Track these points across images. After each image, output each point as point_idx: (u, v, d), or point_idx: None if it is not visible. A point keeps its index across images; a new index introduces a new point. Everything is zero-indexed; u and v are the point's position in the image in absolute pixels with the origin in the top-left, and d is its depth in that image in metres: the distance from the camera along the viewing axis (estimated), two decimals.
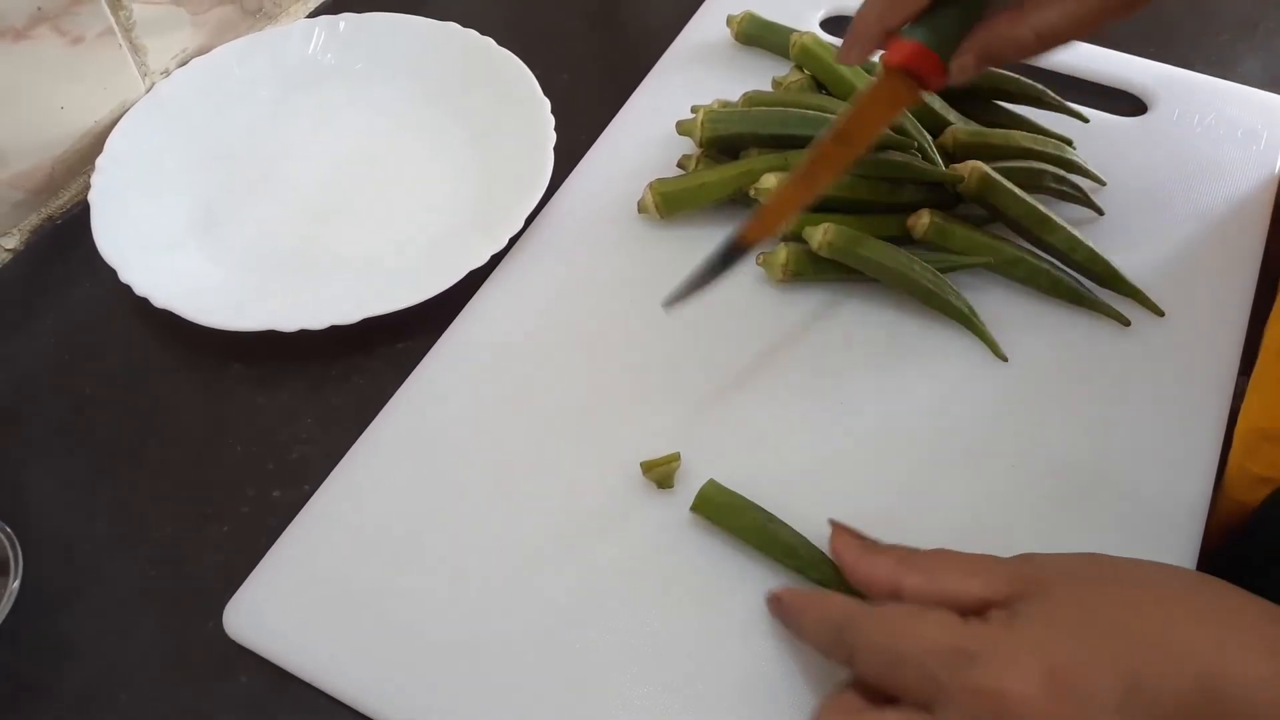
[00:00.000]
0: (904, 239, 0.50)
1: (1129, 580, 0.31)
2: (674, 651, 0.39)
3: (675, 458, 0.43)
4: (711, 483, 0.42)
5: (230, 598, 0.41)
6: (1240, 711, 0.28)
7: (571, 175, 0.55)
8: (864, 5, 0.40)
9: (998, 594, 0.32)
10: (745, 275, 0.50)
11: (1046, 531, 0.42)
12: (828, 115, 0.51)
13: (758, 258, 0.50)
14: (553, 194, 0.54)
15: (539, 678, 0.38)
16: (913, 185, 0.50)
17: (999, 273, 0.49)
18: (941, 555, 0.35)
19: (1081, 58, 0.60)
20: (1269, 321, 0.47)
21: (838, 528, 0.39)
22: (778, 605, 0.38)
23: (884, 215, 0.50)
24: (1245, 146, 0.55)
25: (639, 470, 0.43)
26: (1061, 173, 0.52)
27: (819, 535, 0.41)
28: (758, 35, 0.61)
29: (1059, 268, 0.49)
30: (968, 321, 0.47)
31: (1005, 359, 0.47)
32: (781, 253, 0.49)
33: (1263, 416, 0.44)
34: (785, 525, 0.41)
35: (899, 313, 0.49)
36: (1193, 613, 0.30)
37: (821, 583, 0.39)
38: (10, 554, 0.43)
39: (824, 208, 0.49)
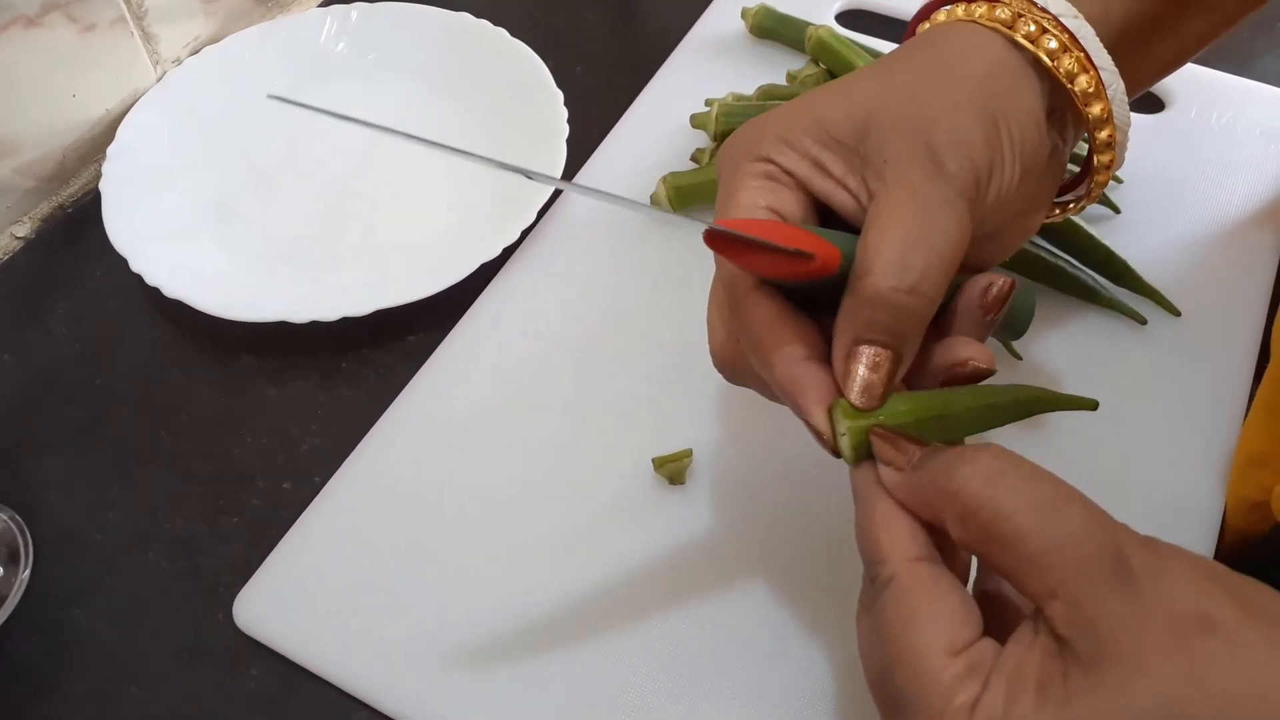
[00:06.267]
0: None
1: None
2: (686, 648, 0.39)
3: (687, 453, 0.43)
4: None
5: (240, 590, 0.41)
6: None
7: (584, 168, 0.55)
8: None
9: (1056, 618, 0.25)
10: None
11: None
12: None
13: None
14: None
15: (549, 673, 0.38)
16: None
17: (1014, 271, 0.49)
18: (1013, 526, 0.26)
19: None
20: (1273, 327, 0.47)
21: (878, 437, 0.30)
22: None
23: None
24: (1263, 144, 0.55)
25: (651, 466, 0.43)
26: (1077, 170, 0.52)
27: (828, 530, 0.40)
28: (773, 28, 0.60)
29: (1074, 266, 0.49)
30: None
31: (1020, 358, 0.47)
32: None
33: (1252, 440, 0.43)
34: None
35: None
36: None
37: None
38: (21, 543, 0.43)
39: None
